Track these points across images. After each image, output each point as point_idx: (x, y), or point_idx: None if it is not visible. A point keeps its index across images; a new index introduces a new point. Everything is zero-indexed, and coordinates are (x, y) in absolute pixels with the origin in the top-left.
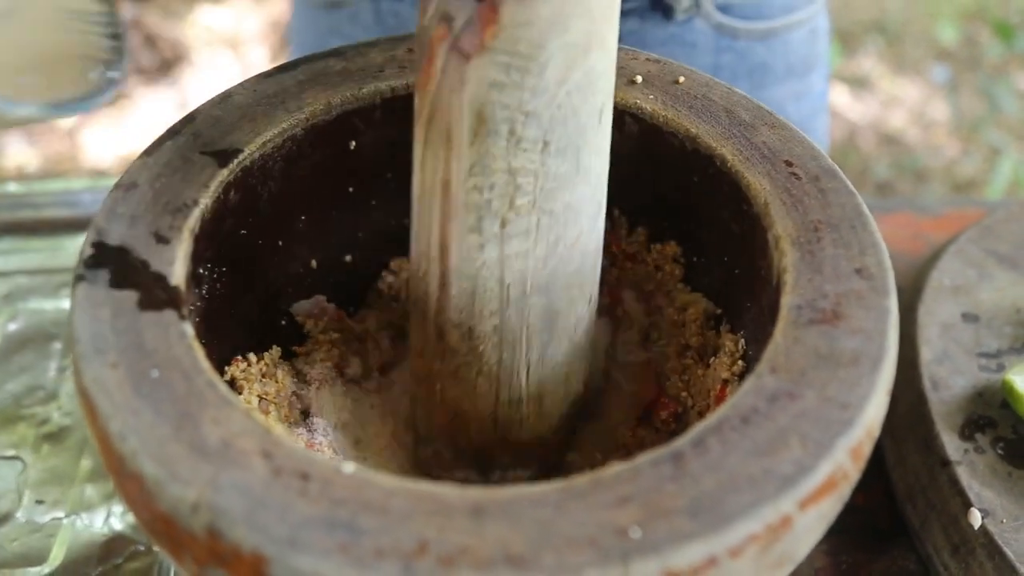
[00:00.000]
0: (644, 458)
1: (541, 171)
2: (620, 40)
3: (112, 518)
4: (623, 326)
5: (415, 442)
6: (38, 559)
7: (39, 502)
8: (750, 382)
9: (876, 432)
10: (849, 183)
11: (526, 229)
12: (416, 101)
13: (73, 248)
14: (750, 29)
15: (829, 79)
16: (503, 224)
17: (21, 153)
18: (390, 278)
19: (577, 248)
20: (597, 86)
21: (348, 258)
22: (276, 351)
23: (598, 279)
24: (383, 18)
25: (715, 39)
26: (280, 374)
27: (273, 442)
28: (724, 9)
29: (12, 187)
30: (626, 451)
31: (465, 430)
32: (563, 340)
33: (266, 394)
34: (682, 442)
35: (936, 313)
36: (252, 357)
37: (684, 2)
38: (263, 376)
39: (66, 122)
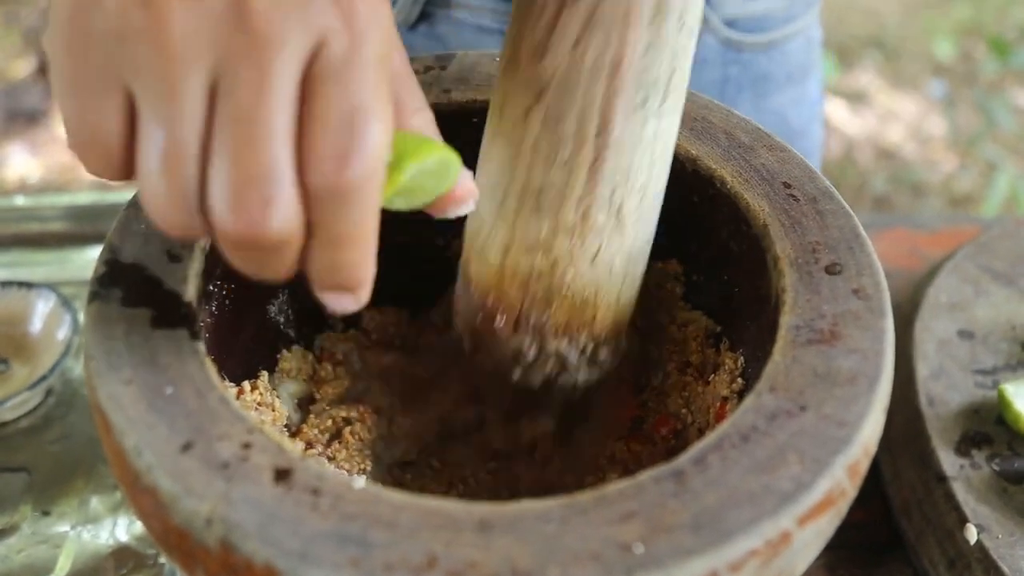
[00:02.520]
0: (646, 475)
1: (688, 59)
2: None
3: (118, 530)
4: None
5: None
6: (44, 570)
7: (45, 513)
8: (750, 400)
9: (873, 450)
10: (846, 204)
11: (674, 107)
12: None
13: (80, 261)
14: (753, 42)
15: (824, 89)
16: (663, 100)
17: (24, 164)
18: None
19: None
20: None
21: None
22: (266, 376)
23: None
24: None
25: (722, 53)
26: (277, 403)
27: (285, 458)
28: (730, 24)
29: (19, 200)
30: (623, 466)
31: (581, 312)
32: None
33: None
34: (683, 459)
35: (932, 330)
36: (247, 385)
37: None
38: (259, 405)
39: None
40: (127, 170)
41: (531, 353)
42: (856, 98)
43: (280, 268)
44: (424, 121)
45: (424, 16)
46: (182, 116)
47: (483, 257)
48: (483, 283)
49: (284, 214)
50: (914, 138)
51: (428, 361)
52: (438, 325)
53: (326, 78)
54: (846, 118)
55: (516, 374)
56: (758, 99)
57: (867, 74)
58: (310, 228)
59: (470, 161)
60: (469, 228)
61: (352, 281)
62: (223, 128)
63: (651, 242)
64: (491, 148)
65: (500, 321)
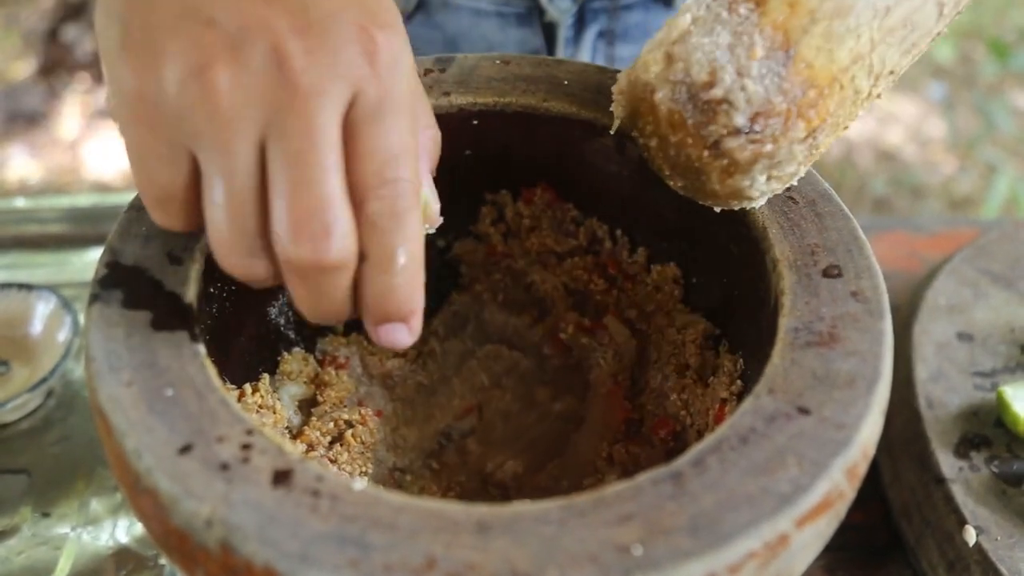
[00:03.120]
0: (644, 477)
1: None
2: (626, 33)
3: (118, 531)
4: (603, 352)
5: None
6: (44, 572)
7: (45, 515)
8: (748, 402)
9: (871, 452)
10: (844, 207)
11: None
12: None
13: (79, 263)
14: None
15: None
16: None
17: (24, 166)
18: None
19: None
20: None
21: None
22: (267, 379)
23: None
24: None
25: None
26: (278, 405)
27: (285, 459)
28: None
29: (19, 202)
30: (622, 468)
31: None
32: None
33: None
34: (682, 461)
35: (931, 332)
36: (248, 388)
37: None
38: (260, 408)
39: (69, 135)
40: (195, 220)
41: (798, 166)
42: None
43: (338, 297)
44: (431, 139)
45: (420, 5)
46: (237, 168)
47: (831, 46)
48: (816, 74)
49: (343, 237)
50: (914, 140)
51: (431, 368)
52: (440, 334)
53: (366, 121)
54: None
55: (762, 176)
56: None
57: None
58: (364, 254)
59: (470, 164)
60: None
61: (404, 306)
62: (279, 172)
63: None
64: None
65: (801, 125)
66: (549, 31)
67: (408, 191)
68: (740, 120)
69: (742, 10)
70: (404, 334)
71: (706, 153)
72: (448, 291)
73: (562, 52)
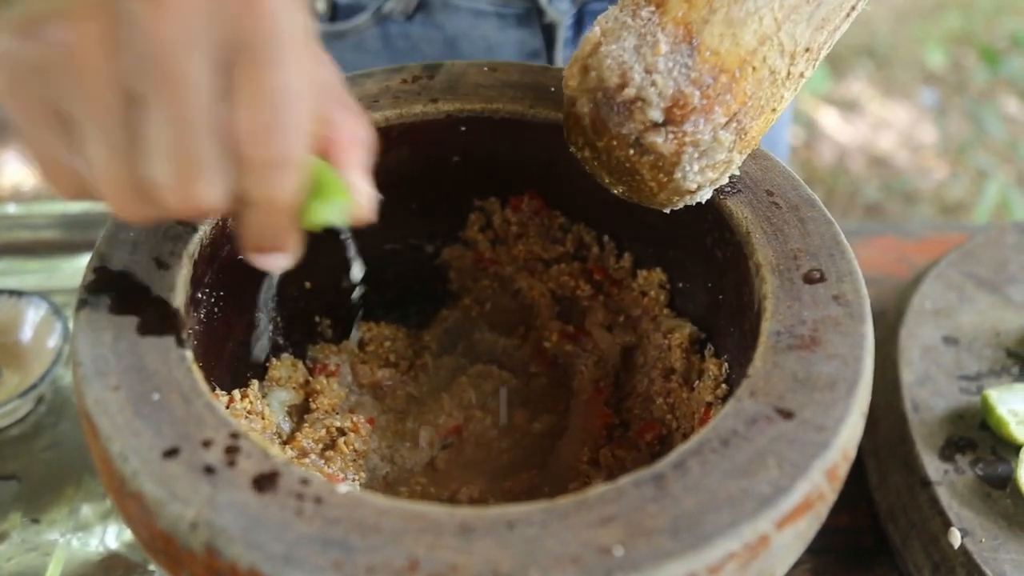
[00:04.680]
0: (627, 479)
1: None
2: None
3: (107, 537)
4: (585, 359)
5: None
6: None
7: (35, 521)
8: (730, 405)
9: (852, 454)
10: (827, 212)
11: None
12: None
13: (70, 269)
14: None
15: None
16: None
17: (17, 172)
18: None
19: None
20: None
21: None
22: (256, 385)
23: None
24: (392, 42)
25: None
26: (267, 411)
27: (270, 463)
28: None
29: (10, 208)
30: (608, 472)
31: None
32: None
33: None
34: (664, 464)
35: (918, 336)
36: (236, 394)
37: None
38: (249, 413)
39: None
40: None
41: (729, 152)
42: (848, 106)
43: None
44: (363, 129)
45: (421, 6)
46: (107, 127)
47: (733, 31)
48: (723, 60)
49: (218, 196)
50: (905, 146)
51: (422, 381)
52: (433, 349)
53: (245, 63)
54: (838, 126)
55: (693, 166)
56: None
57: (859, 83)
58: (241, 196)
59: (458, 170)
60: None
61: (278, 245)
62: (155, 132)
63: None
64: None
65: (719, 111)
66: (548, 32)
67: (282, 138)
68: (655, 114)
69: (644, 13)
70: (281, 261)
71: (631, 152)
72: (437, 296)
73: (561, 53)
